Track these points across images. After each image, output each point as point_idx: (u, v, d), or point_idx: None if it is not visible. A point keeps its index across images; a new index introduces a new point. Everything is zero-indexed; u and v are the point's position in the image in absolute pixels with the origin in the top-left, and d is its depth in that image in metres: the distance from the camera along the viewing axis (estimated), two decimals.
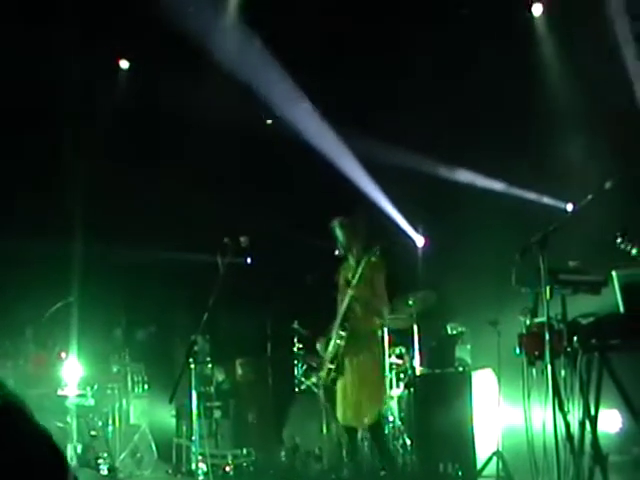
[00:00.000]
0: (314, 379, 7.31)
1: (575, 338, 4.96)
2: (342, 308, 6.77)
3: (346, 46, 9.28)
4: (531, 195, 8.59)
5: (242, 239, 6.62)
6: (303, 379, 8.73)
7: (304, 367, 8.75)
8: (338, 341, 6.77)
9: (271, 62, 9.33)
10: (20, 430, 1.33)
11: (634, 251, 5.34)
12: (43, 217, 9.76)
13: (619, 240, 5.40)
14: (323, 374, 7.00)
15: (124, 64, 10.70)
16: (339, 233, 6.93)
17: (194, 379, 7.37)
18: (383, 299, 6.88)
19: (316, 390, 7.49)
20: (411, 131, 9.07)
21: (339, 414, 6.91)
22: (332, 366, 6.81)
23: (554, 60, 8.65)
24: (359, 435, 7.15)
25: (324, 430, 8.23)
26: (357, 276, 6.67)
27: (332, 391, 7.00)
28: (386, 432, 8.09)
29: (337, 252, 7.00)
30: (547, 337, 4.98)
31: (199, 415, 7.93)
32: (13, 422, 1.35)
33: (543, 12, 9.23)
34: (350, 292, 6.69)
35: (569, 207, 7.60)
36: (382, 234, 7.31)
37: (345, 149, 9.75)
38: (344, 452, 7.29)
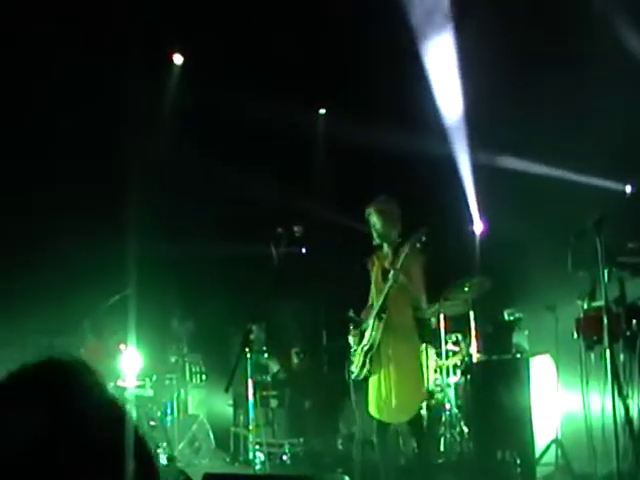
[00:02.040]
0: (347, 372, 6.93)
1: (634, 321, 4.88)
2: (380, 297, 6.48)
3: None
4: (588, 178, 8.42)
5: (296, 228, 6.59)
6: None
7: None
8: (374, 332, 6.50)
9: None
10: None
11: None
12: (100, 211, 9.89)
13: None
14: (356, 368, 6.67)
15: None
16: (376, 220, 6.58)
17: (250, 368, 7.42)
18: (421, 289, 6.55)
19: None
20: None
21: (373, 408, 6.57)
22: (367, 359, 6.54)
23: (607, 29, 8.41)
24: (391, 429, 6.81)
25: None
26: (400, 262, 6.36)
27: (363, 385, 6.74)
28: (443, 420, 8.07)
29: (374, 241, 6.69)
30: (605, 321, 4.90)
31: (255, 404, 8.00)
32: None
33: None
34: (391, 279, 6.36)
35: (627, 189, 7.44)
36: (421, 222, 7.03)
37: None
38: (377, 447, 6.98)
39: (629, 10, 8.10)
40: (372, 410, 6.61)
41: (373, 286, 6.76)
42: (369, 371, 6.57)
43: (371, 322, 6.54)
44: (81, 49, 9.03)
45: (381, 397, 6.53)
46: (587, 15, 8.15)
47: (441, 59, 9.28)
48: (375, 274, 6.74)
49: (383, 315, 6.48)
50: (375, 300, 6.65)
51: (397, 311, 6.52)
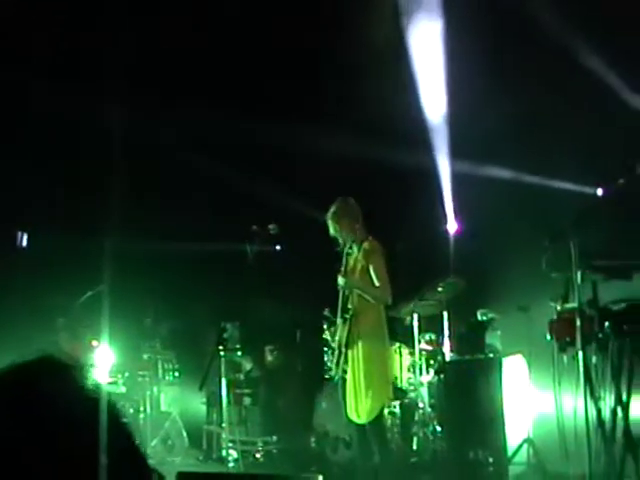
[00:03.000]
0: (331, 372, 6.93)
1: (607, 324, 4.91)
2: (339, 300, 6.54)
3: None
4: (562, 182, 8.47)
5: (271, 226, 6.61)
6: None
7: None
8: (340, 333, 6.54)
9: None
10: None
11: None
12: (73, 207, 9.83)
13: None
14: (334, 366, 6.72)
15: None
16: (332, 229, 6.61)
17: (224, 366, 7.42)
18: (382, 283, 6.49)
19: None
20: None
21: (348, 409, 6.61)
22: (340, 359, 6.56)
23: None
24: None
25: None
26: (347, 269, 6.43)
27: (340, 383, 6.74)
28: (416, 419, 8.10)
29: (341, 243, 6.69)
30: (578, 323, 4.94)
31: (229, 402, 7.99)
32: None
33: None
34: (342, 280, 6.44)
35: (599, 191, 7.51)
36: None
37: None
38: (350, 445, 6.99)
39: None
40: (347, 408, 6.65)
41: None
42: (344, 370, 6.57)
43: (338, 321, 6.60)
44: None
45: (349, 397, 6.57)
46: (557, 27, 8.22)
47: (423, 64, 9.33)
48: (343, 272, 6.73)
49: (346, 316, 6.50)
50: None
51: (360, 312, 6.52)
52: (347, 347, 6.51)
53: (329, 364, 6.82)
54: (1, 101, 9.29)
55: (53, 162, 9.99)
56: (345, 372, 6.60)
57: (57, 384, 1.29)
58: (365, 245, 6.52)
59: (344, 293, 6.53)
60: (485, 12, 8.58)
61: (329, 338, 6.88)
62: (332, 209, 6.64)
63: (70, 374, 1.32)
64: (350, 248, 6.68)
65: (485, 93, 8.42)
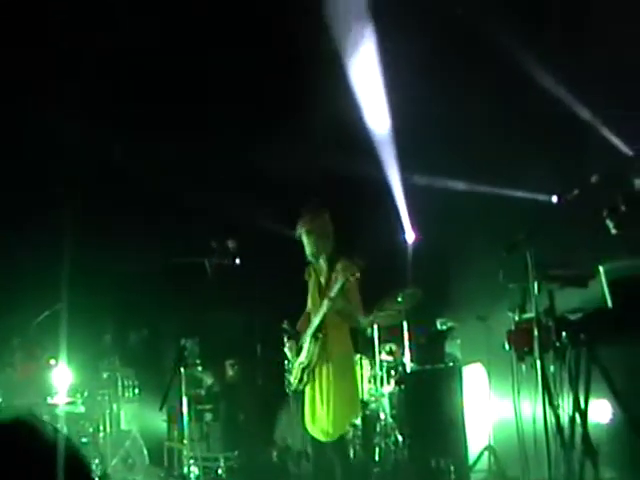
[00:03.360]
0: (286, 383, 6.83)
1: (564, 334, 4.98)
2: (318, 317, 6.36)
3: None
4: (518, 191, 8.57)
5: (229, 242, 6.58)
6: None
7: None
8: (311, 350, 6.41)
9: None
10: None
11: (612, 229, 5.44)
12: (29, 223, 9.71)
13: (605, 213, 5.48)
14: (294, 380, 6.58)
15: None
16: (306, 241, 6.46)
17: (184, 384, 7.37)
18: (358, 307, 6.49)
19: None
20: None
21: (307, 422, 6.52)
22: (304, 374, 6.47)
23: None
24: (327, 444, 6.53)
25: None
26: (334, 292, 6.22)
27: (301, 397, 6.67)
28: (377, 429, 8.11)
29: (308, 260, 6.57)
30: (536, 333, 5.00)
31: (190, 418, 7.94)
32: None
33: None
34: (328, 304, 6.26)
35: (554, 199, 7.62)
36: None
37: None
38: (310, 460, 6.88)
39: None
40: (307, 423, 6.57)
41: (310, 297, 6.69)
42: (305, 384, 6.53)
43: (308, 339, 6.49)
44: None
45: (313, 413, 6.48)
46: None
47: (366, 75, 9.38)
48: (312, 286, 6.66)
49: (319, 334, 6.40)
50: (312, 313, 6.58)
51: (333, 330, 6.45)
52: (316, 365, 6.44)
53: (289, 378, 6.73)
54: None
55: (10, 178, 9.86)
56: (306, 386, 6.54)
57: (32, 444, 1.39)
58: (340, 265, 6.34)
59: (325, 314, 6.36)
60: (426, 18, 8.68)
61: (288, 353, 6.78)
62: (306, 224, 6.49)
63: (44, 434, 1.42)
64: (319, 262, 6.60)
65: (431, 103, 8.51)
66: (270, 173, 9.62)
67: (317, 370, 6.46)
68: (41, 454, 1.38)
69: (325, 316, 6.35)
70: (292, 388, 6.70)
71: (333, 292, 6.25)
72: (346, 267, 6.25)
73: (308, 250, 6.53)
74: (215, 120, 9.77)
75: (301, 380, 6.53)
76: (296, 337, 6.72)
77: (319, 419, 6.46)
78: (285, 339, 7.73)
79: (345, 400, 6.47)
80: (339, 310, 6.37)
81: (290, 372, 6.72)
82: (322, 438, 6.48)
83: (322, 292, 6.50)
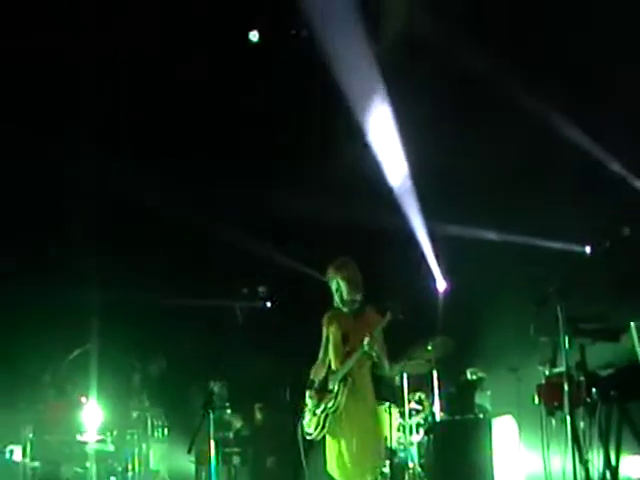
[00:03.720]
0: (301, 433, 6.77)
1: (594, 389, 4.93)
2: (349, 362, 6.36)
3: None
4: (550, 242, 8.55)
5: (260, 289, 6.57)
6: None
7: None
8: (340, 396, 6.38)
9: None
10: None
11: None
12: (59, 264, 9.85)
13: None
14: (314, 429, 6.55)
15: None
16: (342, 287, 6.48)
17: (212, 427, 7.36)
18: (385, 354, 6.47)
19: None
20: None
21: (333, 468, 6.46)
22: (327, 420, 6.42)
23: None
24: None
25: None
26: (376, 332, 6.24)
27: (318, 445, 6.65)
28: (406, 479, 8.03)
29: (335, 305, 6.59)
30: (566, 388, 4.96)
31: (218, 461, 7.91)
32: None
33: None
34: (367, 347, 6.21)
35: (587, 249, 7.57)
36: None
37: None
38: None
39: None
40: (331, 470, 6.51)
41: (331, 347, 6.64)
42: (327, 432, 6.49)
43: (336, 386, 6.46)
44: None
45: (342, 458, 6.42)
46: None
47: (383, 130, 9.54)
48: (334, 335, 6.63)
49: (349, 379, 6.40)
50: (334, 362, 6.57)
51: (360, 375, 6.45)
52: (345, 408, 6.40)
53: (306, 429, 6.68)
54: None
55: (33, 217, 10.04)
56: (328, 434, 6.48)
57: None
58: (369, 312, 6.46)
59: (359, 358, 6.37)
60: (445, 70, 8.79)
61: (309, 401, 6.75)
62: (340, 270, 6.52)
63: None
64: (345, 310, 6.61)
65: (462, 153, 8.56)
66: (300, 222, 9.71)
67: (344, 415, 6.42)
68: None
69: (359, 359, 6.33)
70: (311, 437, 6.66)
71: (376, 331, 6.26)
72: (389, 316, 6.31)
73: (341, 296, 6.53)
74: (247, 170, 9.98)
75: (322, 428, 6.50)
76: (312, 385, 6.72)
77: (345, 464, 6.39)
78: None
79: (371, 446, 6.42)
80: (376, 352, 6.33)
81: (308, 423, 6.68)
82: None
83: (348, 341, 6.49)
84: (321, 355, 6.73)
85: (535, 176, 8.65)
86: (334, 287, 6.55)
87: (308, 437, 6.66)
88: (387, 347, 6.54)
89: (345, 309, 6.59)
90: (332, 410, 6.44)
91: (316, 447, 7.93)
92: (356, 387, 6.43)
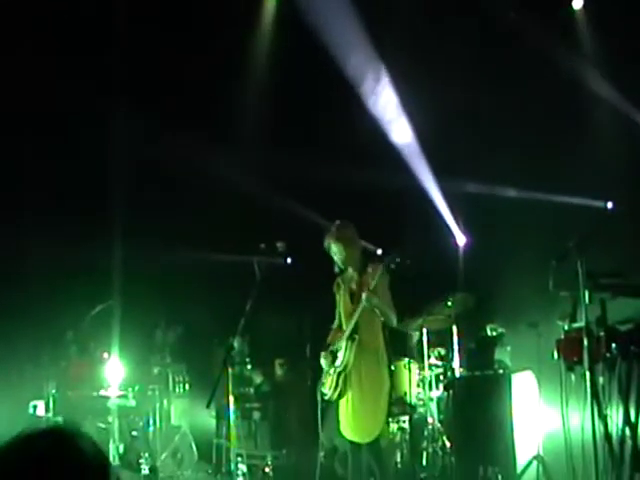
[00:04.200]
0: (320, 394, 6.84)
1: (614, 345, 4.87)
2: (353, 318, 6.46)
3: None
4: (571, 197, 8.45)
5: (279, 244, 6.59)
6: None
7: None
8: (347, 353, 6.47)
9: None
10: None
11: None
12: (82, 221, 9.86)
13: None
14: (329, 389, 6.63)
15: None
16: (335, 250, 6.61)
17: (232, 381, 7.40)
18: (391, 307, 6.53)
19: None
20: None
21: (343, 428, 6.60)
22: (340, 380, 6.52)
23: (591, 57, 8.49)
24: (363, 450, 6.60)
25: None
26: (373, 284, 6.34)
27: (335, 405, 6.73)
28: (425, 434, 8.06)
29: (336, 269, 6.73)
30: (585, 343, 4.91)
31: (238, 416, 7.98)
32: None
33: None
34: (364, 301, 6.35)
35: (609, 205, 7.46)
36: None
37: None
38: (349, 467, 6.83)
39: None
40: (343, 430, 6.63)
41: (341, 309, 6.76)
42: (340, 392, 6.56)
43: (344, 344, 6.51)
44: None
45: (350, 417, 6.53)
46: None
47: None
48: (342, 297, 6.74)
49: (355, 336, 6.46)
50: (345, 323, 6.64)
51: (368, 332, 6.50)
52: (353, 366, 6.48)
53: (322, 390, 6.74)
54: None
55: (60, 175, 10.04)
56: (341, 394, 6.56)
57: (65, 454, 1.46)
58: (370, 269, 6.52)
59: (361, 314, 6.45)
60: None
61: (323, 362, 6.79)
62: (334, 233, 6.64)
63: (77, 444, 1.48)
64: (348, 271, 6.70)
65: (487, 110, 8.46)
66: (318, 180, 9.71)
67: (353, 373, 6.50)
68: (78, 466, 1.43)
69: (362, 315, 6.41)
70: (327, 398, 6.71)
71: (371, 285, 6.36)
72: (376, 266, 6.43)
73: (338, 259, 6.66)
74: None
75: (336, 387, 6.55)
76: (327, 349, 6.75)
77: (355, 421, 6.49)
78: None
79: (377, 404, 6.49)
80: (376, 305, 6.42)
81: (324, 384, 6.72)
82: (358, 440, 6.52)
83: (355, 298, 6.57)
84: (336, 320, 6.85)
85: (559, 132, 8.53)
86: (332, 252, 6.67)
87: (325, 397, 6.71)
88: (399, 301, 6.57)
89: (349, 270, 6.69)
90: (341, 368, 6.50)
91: (332, 407, 8.01)
92: (363, 345, 6.49)
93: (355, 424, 6.48)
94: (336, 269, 6.75)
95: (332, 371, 6.61)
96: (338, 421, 6.70)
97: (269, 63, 10.31)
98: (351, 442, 6.61)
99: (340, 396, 6.58)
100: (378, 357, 6.54)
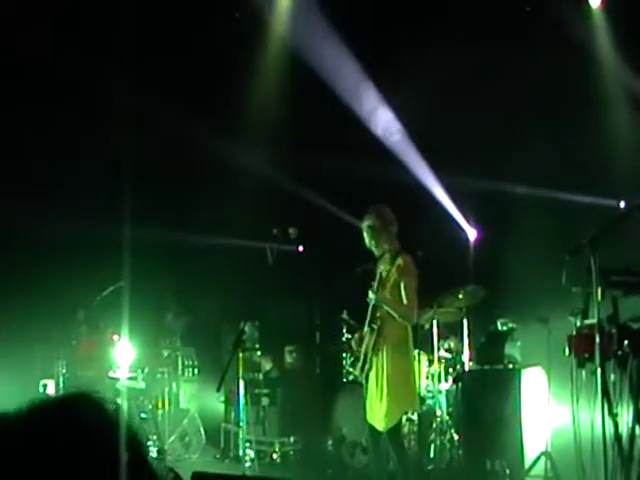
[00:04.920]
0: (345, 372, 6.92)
1: (626, 342, 4.82)
2: (369, 310, 6.51)
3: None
4: (584, 195, 8.40)
5: (291, 230, 6.59)
6: (350, 369, 8.59)
7: (352, 357, 8.63)
8: (367, 340, 6.52)
9: None
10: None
11: None
12: (94, 201, 9.87)
13: None
14: (357, 371, 6.72)
15: None
16: (366, 236, 6.59)
17: (242, 366, 7.41)
18: (410, 303, 6.47)
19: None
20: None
21: (367, 411, 6.63)
22: (366, 362, 6.55)
23: (607, 54, 8.40)
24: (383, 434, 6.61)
25: None
26: (376, 285, 6.39)
27: (356, 388, 6.82)
28: (433, 426, 8.03)
29: (376, 253, 6.68)
30: (597, 340, 4.86)
31: (247, 402, 7.98)
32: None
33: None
34: (371, 301, 6.40)
35: (622, 204, 7.41)
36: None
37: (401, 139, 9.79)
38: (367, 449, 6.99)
39: None
40: (368, 416, 6.64)
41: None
42: (367, 374, 6.58)
43: (366, 329, 6.57)
44: None
45: (371, 403, 6.56)
46: None
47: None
48: (376, 279, 6.68)
49: (374, 325, 6.48)
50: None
51: (387, 321, 6.49)
52: (373, 355, 6.50)
53: (350, 369, 6.80)
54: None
55: (71, 157, 10.03)
56: (367, 377, 6.58)
57: (93, 419, 1.44)
58: (400, 261, 6.48)
59: (373, 305, 6.49)
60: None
61: (353, 343, 6.83)
62: (370, 218, 6.59)
63: (105, 410, 1.47)
64: (383, 257, 6.66)
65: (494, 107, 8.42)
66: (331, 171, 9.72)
67: (374, 360, 6.51)
68: (101, 429, 1.42)
69: (375, 307, 6.44)
70: (354, 376, 6.76)
71: (375, 285, 6.39)
72: (407, 261, 6.42)
73: (370, 244, 6.62)
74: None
75: (363, 369, 6.58)
76: (355, 329, 6.84)
77: (375, 409, 6.51)
78: (344, 329, 7.74)
79: (399, 391, 6.48)
80: (387, 305, 6.44)
81: (353, 363, 6.77)
82: (378, 428, 6.52)
83: (381, 284, 6.56)
84: None
85: (572, 130, 8.48)
86: (365, 234, 6.64)
87: (352, 377, 6.76)
88: (412, 295, 6.51)
89: (379, 254, 6.65)
90: (363, 353, 6.52)
91: (348, 391, 8.02)
92: (384, 334, 6.50)
93: (375, 411, 6.50)
94: (375, 253, 6.68)
95: (362, 355, 6.64)
96: (356, 408, 6.72)
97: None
98: (371, 428, 6.62)
99: (367, 379, 6.59)
100: (397, 347, 6.51)
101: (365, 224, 6.58)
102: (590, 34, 8.58)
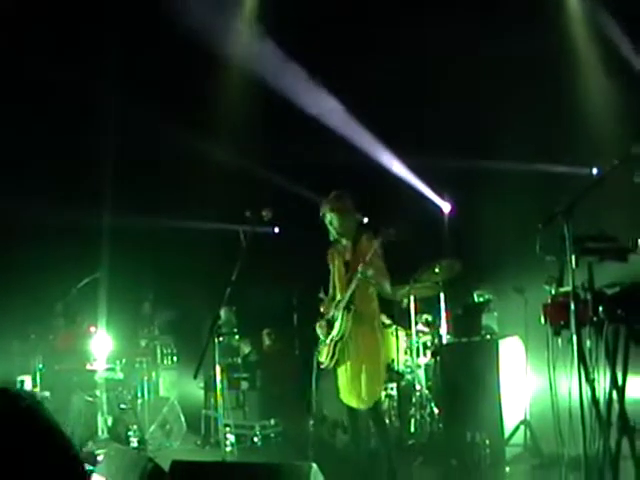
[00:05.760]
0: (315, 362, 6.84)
1: (600, 308, 4.86)
2: (349, 290, 6.44)
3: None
4: (557, 163, 8.44)
5: (264, 212, 6.49)
6: (320, 360, 8.54)
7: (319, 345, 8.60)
8: (344, 323, 6.48)
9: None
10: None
11: None
12: (71, 192, 9.80)
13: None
14: (326, 358, 6.65)
15: None
16: (332, 219, 6.57)
17: (219, 351, 7.39)
18: (385, 276, 6.54)
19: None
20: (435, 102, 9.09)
21: (343, 395, 6.63)
22: (336, 349, 6.55)
23: (580, 22, 8.44)
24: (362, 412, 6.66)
25: None
26: (369, 256, 6.33)
27: (333, 374, 6.73)
28: (413, 401, 8.09)
29: (331, 238, 6.69)
30: (572, 307, 4.90)
31: (226, 387, 7.97)
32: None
33: None
34: (361, 273, 6.32)
35: (595, 171, 7.45)
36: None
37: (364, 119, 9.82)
38: (347, 429, 7.00)
39: None
40: (342, 396, 6.65)
41: (336, 280, 6.73)
42: (337, 360, 6.58)
43: (340, 313, 6.52)
44: None
45: (349, 384, 6.55)
46: None
47: None
48: (337, 268, 6.71)
49: (352, 306, 6.46)
50: (340, 293, 6.64)
51: (363, 301, 6.51)
52: (350, 335, 6.49)
53: (319, 358, 6.75)
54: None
55: (50, 145, 9.95)
56: (338, 362, 6.58)
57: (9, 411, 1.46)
58: (364, 239, 6.51)
59: (358, 284, 6.44)
60: None
61: (319, 331, 6.79)
62: (331, 202, 6.58)
63: (16, 405, 1.48)
64: (342, 241, 6.68)
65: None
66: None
67: (350, 342, 6.51)
68: (18, 422, 1.43)
69: (358, 285, 6.40)
70: (323, 366, 6.73)
71: (367, 257, 6.34)
72: (371, 237, 6.44)
73: (334, 228, 6.62)
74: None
75: (333, 356, 6.58)
76: (323, 317, 6.76)
77: (354, 387, 6.51)
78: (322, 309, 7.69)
79: (378, 368, 6.54)
80: (371, 276, 6.40)
81: (320, 352, 6.73)
82: (357, 406, 6.55)
83: (350, 269, 6.55)
84: (330, 290, 6.84)
85: (544, 101, 8.52)
86: (327, 221, 6.63)
87: (321, 366, 6.73)
88: (388, 269, 6.56)
89: (343, 240, 6.67)
90: (338, 337, 6.51)
91: (327, 375, 8.01)
92: (359, 313, 6.50)
93: (356, 391, 6.51)
94: (331, 238, 6.69)
95: (328, 340, 6.62)
96: (336, 389, 6.71)
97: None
98: (349, 408, 6.65)
99: (337, 364, 6.61)
100: (374, 325, 6.57)
101: (330, 207, 6.57)
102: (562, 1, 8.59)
